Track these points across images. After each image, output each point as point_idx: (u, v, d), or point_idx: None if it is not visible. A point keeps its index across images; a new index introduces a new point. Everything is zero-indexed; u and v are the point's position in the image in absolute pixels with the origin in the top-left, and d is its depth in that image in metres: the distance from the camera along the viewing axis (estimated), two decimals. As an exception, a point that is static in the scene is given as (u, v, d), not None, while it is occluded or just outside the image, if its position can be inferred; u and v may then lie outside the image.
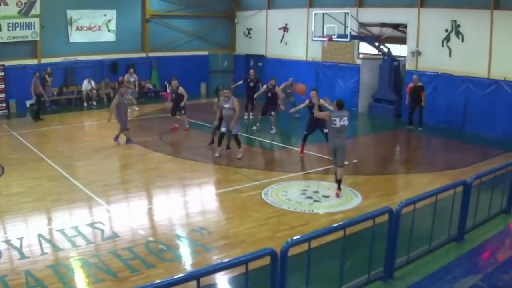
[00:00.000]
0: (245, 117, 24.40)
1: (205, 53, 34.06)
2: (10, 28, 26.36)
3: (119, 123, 19.35)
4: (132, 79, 27.08)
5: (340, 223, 7.92)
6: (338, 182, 13.64)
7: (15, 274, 9.25)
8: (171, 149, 18.85)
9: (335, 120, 13.22)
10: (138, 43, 31.78)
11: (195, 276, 5.85)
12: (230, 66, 35.34)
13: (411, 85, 22.09)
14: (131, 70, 27.49)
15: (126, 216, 12.31)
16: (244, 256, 6.43)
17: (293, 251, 6.72)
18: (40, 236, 10.93)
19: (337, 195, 13.50)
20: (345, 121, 13.28)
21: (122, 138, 19.39)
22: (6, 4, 25.92)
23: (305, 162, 17.70)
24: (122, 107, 19.14)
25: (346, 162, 14.27)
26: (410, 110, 22.58)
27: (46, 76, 27.09)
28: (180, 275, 5.81)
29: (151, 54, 32.01)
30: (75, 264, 9.73)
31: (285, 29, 31.06)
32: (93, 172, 16.01)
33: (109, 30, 30.17)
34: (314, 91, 17.16)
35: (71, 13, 28.51)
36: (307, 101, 17.42)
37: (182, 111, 21.56)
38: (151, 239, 10.89)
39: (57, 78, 28.05)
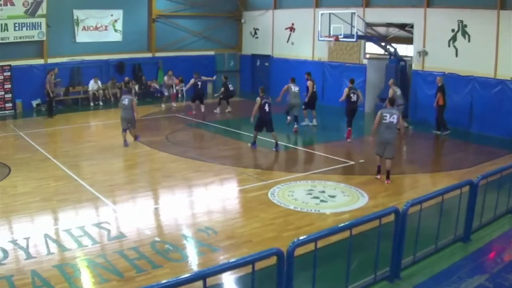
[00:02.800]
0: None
1: (212, 53, 34.10)
2: (17, 28, 26.43)
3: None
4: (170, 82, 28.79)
5: (347, 223, 7.91)
6: (387, 172, 14.84)
7: (22, 274, 9.27)
8: (177, 149, 18.82)
9: (385, 116, 14.42)
10: (144, 43, 31.84)
11: (201, 276, 5.85)
12: (236, 66, 35.36)
13: (439, 84, 21.62)
14: (170, 72, 28.37)
15: (132, 216, 12.31)
16: (251, 256, 6.43)
17: (299, 251, 6.72)
18: (46, 236, 10.96)
19: (387, 183, 14.75)
20: (394, 118, 14.43)
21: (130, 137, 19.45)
22: (12, 4, 26.00)
23: (312, 162, 17.72)
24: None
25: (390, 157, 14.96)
26: (436, 113, 21.83)
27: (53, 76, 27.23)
28: (187, 275, 5.81)
29: (157, 54, 32.07)
30: (81, 264, 9.75)
31: (291, 29, 31.05)
32: (99, 172, 16.05)
33: (115, 30, 30.23)
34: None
35: (78, 13, 28.57)
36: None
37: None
38: (157, 239, 10.91)
39: (63, 78, 28.16)
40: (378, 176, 15.15)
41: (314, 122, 23.09)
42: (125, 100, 18.90)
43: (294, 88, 21.50)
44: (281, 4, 31.89)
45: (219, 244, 10.59)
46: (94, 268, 9.51)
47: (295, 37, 31.04)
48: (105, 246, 10.55)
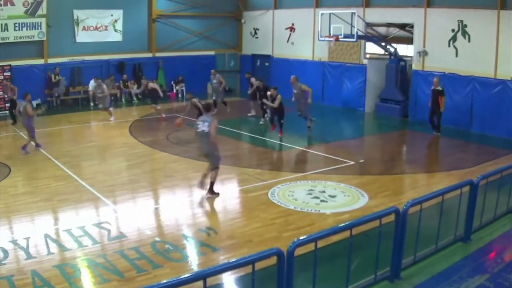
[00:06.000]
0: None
1: (212, 53, 34.12)
2: (17, 28, 26.48)
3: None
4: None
5: (347, 223, 7.90)
6: (210, 184, 13.71)
7: (22, 274, 9.29)
8: (178, 149, 18.81)
9: (198, 124, 13.44)
10: (144, 43, 31.88)
11: (201, 276, 5.85)
12: (236, 66, 35.37)
13: (432, 87, 21.26)
14: (99, 80, 26.10)
15: (133, 216, 12.31)
16: (251, 256, 6.43)
17: (299, 251, 6.72)
18: (46, 236, 10.97)
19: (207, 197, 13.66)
20: (206, 127, 13.12)
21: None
22: (12, 4, 26.04)
23: (312, 162, 17.72)
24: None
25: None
26: (429, 113, 21.53)
27: (53, 76, 27.25)
28: (187, 275, 5.81)
29: (157, 54, 32.10)
30: (81, 264, 9.75)
31: (291, 29, 31.06)
32: (100, 172, 16.06)
33: (115, 30, 30.27)
34: None
35: (78, 13, 28.61)
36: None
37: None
38: (157, 239, 10.92)
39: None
40: (205, 194, 13.77)
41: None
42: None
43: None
44: (281, 4, 31.90)
45: (220, 244, 10.60)
46: (95, 268, 9.51)
47: (295, 37, 31.05)
48: (105, 246, 10.55)
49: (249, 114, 25.42)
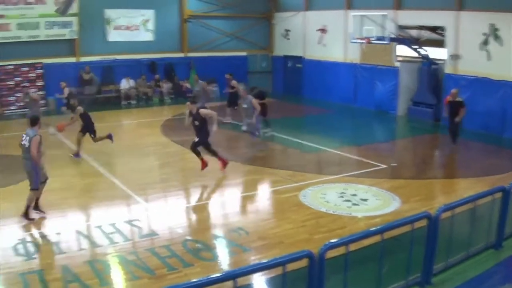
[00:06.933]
0: None
1: (243, 53, 34.14)
2: (48, 27, 26.85)
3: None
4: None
5: (378, 227, 7.90)
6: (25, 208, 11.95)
7: (52, 269, 9.46)
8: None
9: (22, 137, 12.15)
10: (176, 43, 32.02)
11: (232, 276, 5.90)
12: (268, 67, 35.37)
13: (449, 98, 19.59)
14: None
15: (164, 215, 12.41)
16: (282, 258, 6.46)
17: (330, 253, 6.72)
18: (78, 232, 11.13)
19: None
20: (26, 141, 11.92)
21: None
22: (44, 2, 26.42)
23: (343, 164, 17.65)
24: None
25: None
26: (449, 125, 19.74)
27: (84, 74, 27.57)
28: (217, 274, 5.86)
29: (189, 54, 32.24)
30: (112, 261, 9.87)
31: (323, 30, 30.95)
32: (132, 170, 16.22)
33: (147, 30, 30.47)
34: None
35: (109, 13, 28.91)
36: None
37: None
38: (189, 237, 10.99)
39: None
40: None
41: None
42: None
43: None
44: (312, 5, 31.73)
45: (251, 245, 10.61)
46: (126, 265, 9.62)
47: (327, 38, 30.91)
48: (136, 243, 10.66)
49: (224, 121, 22.86)
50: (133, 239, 10.88)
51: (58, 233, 11.06)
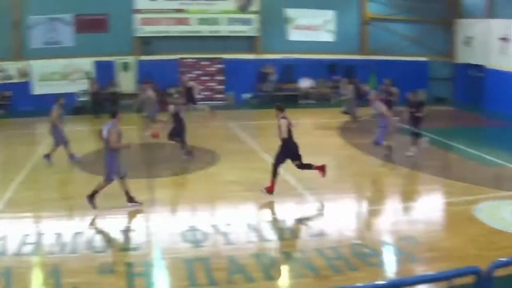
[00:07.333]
0: None
1: (424, 59, 33.21)
2: (229, 23, 27.95)
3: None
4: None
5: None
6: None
7: (219, 258, 9.70)
8: (383, 155, 18.56)
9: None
10: (355, 45, 31.90)
11: (396, 284, 5.85)
12: (450, 74, 34.25)
13: None
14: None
15: (334, 216, 12.39)
16: (448, 272, 6.33)
17: (500, 272, 6.51)
18: (247, 224, 11.39)
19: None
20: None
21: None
22: None
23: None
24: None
25: None
26: None
27: (269, 70, 28.42)
28: (382, 282, 5.88)
29: (369, 57, 31.98)
30: (279, 256, 9.99)
31: (505, 39, 29.33)
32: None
33: (327, 31, 30.69)
34: None
35: (289, 12, 29.47)
36: None
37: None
38: (357, 241, 10.84)
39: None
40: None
41: None
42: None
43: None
44: (495, 13, 30.17)
45: (419, 255, 10.18)
46: (291, 262, 9.69)
47: (510, 48, 29.28)
48: (304, 242, 10.74)
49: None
50: (301, 237, 10.99)
51: (228, 224, 11.40)
